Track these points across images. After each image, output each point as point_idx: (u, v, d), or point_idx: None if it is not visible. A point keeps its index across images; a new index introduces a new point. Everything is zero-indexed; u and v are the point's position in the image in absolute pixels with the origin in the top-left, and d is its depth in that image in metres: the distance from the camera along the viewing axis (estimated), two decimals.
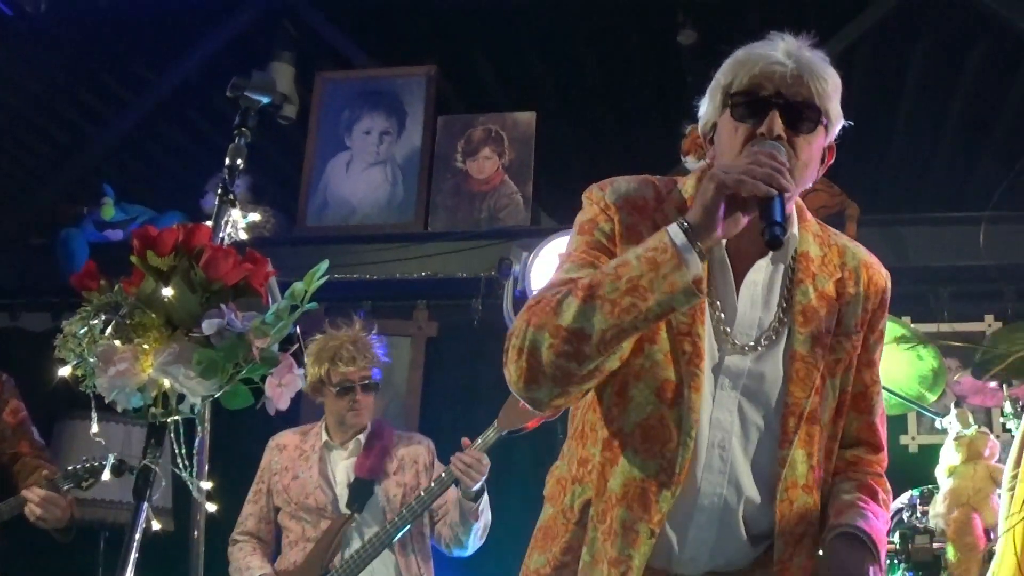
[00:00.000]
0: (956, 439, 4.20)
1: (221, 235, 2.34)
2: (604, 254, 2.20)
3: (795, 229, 2.25)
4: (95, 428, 2.10)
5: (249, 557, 4.53)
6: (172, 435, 1.99)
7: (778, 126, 2.12)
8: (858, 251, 2.37)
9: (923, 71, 6.61)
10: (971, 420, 4.32)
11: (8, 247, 6.54)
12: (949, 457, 4.20)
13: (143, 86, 6.93)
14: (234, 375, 2.04)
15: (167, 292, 2.04)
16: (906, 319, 5.28)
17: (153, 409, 2.03)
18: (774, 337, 2.22)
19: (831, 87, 2.19)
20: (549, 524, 2.30)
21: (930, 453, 4.27)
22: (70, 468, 4.04)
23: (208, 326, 2.02)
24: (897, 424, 5.57)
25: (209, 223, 2.28)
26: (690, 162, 5.96)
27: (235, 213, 2.32)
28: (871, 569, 2.14)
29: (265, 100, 2.53)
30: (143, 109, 6.88)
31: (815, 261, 2.27)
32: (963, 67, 6.51)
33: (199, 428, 2.12)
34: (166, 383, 2.01)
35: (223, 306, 2.04)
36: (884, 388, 4.26)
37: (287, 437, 4.71)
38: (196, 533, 2.16)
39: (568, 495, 2.28)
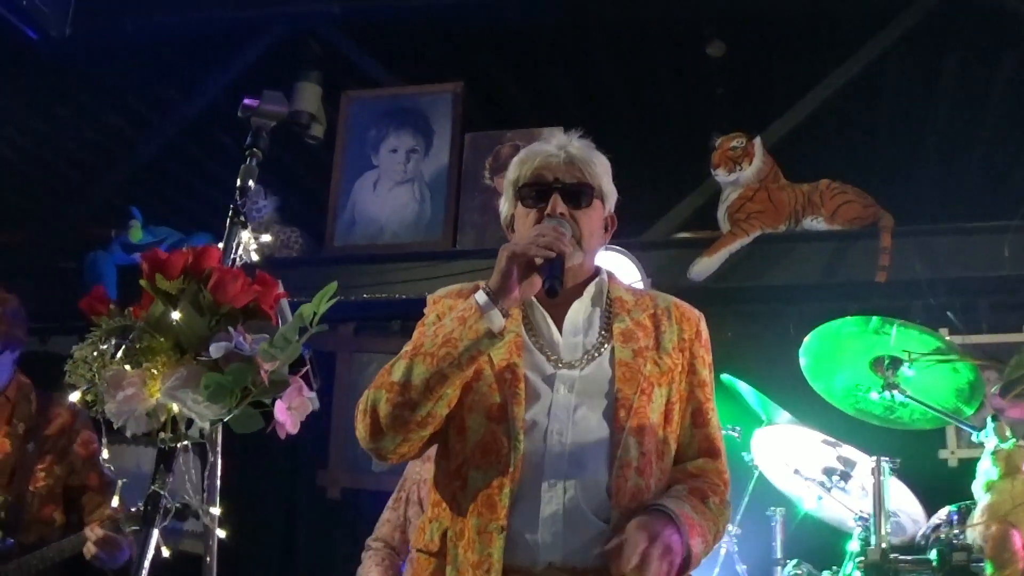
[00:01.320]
0: (994, 453, 4.13)
1: (232, 257, 2.31)
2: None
3: (604, 276, 2.71)
4: (105, 454, 2.10)
5: (371, 571, 4.34)
6: (182, 459, 1.98)
7: (560, 205, 2.57)
8: (668, 297, 2.77)
9: (956, 79, 6.55)
10: (1009, 433, 4.25)
11: (37, 271, 6.58)
12: (987, 471, 4.13)
13: (170, 108, 6.97)
14: (243, 399, 2.03)
15: (175, 315, 2.03)
16: (943, 331, 5.22)
17: (162, 434, 2.02)
18: (596, 354, 2.59)
19: (600, 168, 2.66)
20: (415, 567, 2.58)
21: (970, 467, 4.20)
22: (134, 509, 4.02)
23: (216, 349, 2.01)
24: (936, 438, 5.51)
25: (220, 245, 2.25)
26: (720, 175, 5.94)
27: (245, 235, 2.30)
28: (668, 531, 2.39)
29: (276, 120, 2.51)
30: (170, 131, 6.92)
31: (628, 302, 2.69)
32: (996, 75, 6.45)
33: (210, 453, 2.10)
34: (175, 407, 2.00)
35: (231, 329, 2.02)
36: (921, 402, 4.26)
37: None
38: (208, 559, 2.15)
39: (427, 533, 2.58)
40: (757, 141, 5.97)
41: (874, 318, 4.42)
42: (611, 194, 2.71)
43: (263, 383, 2.02)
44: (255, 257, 2.39)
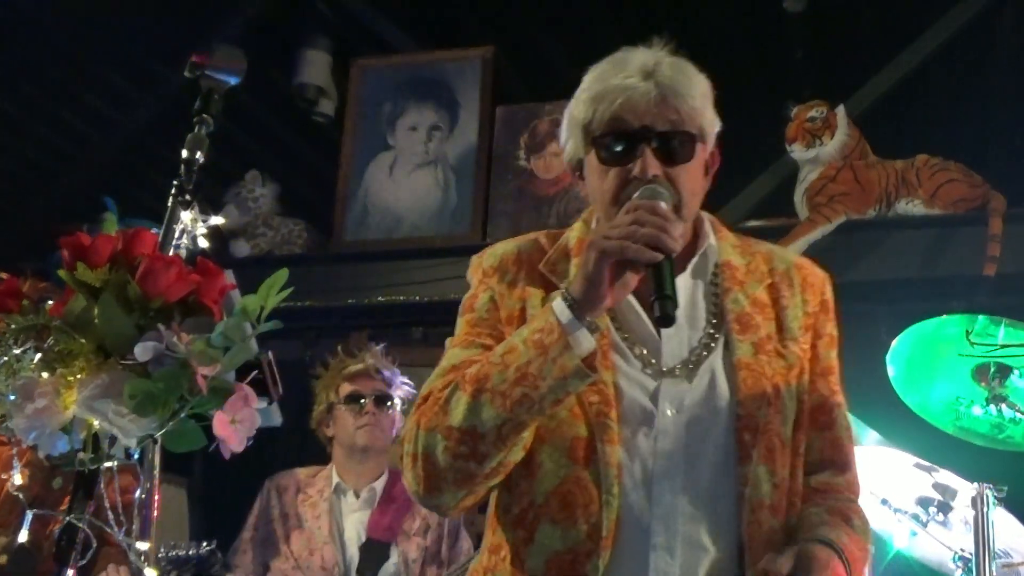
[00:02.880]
0: None
1: (176, 243, 2.26)
2: (488, 329, 2.37)
3: (712, 240, 2.43)
4: (18, 479, 2.06)
5: None
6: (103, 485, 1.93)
7: (652, 166, 2.25)
8: (786, 254, 2.53)
9: None
10: None
11: None
12: None
13: (153, 82, 6.98)
14: (178, 411, 1.97)
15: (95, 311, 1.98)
16: None
17: (82, 454, 1.96)
18: (706, 353, 2.32)
19: (699, 98, 2.32)
20: None
21: None
22: (160, 555, 4.00)
23: (143, 351, 1.95)
24: None
25: (156, 229, 2.21)
26: (797, 151, 5.87)
27: (187, 216, 2.25)
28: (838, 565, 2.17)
29: (232, 80, 2.46)
30: (152, 109, 6.95)
31: (740, 269, 2.42)
32: None
33: (142, 477, 2.05)
34: (94, 422, 1.94)
35: (162, 327, 1.97)
36: None
37: (290, 478, 4.68)
38: None
39: None
40: (840, 111, 5.89)
41: (980, 317, 4.34)
42: (713, 126, 2.38)
43: (200, 391, 1.96)
44: (203, 243, 2.32)
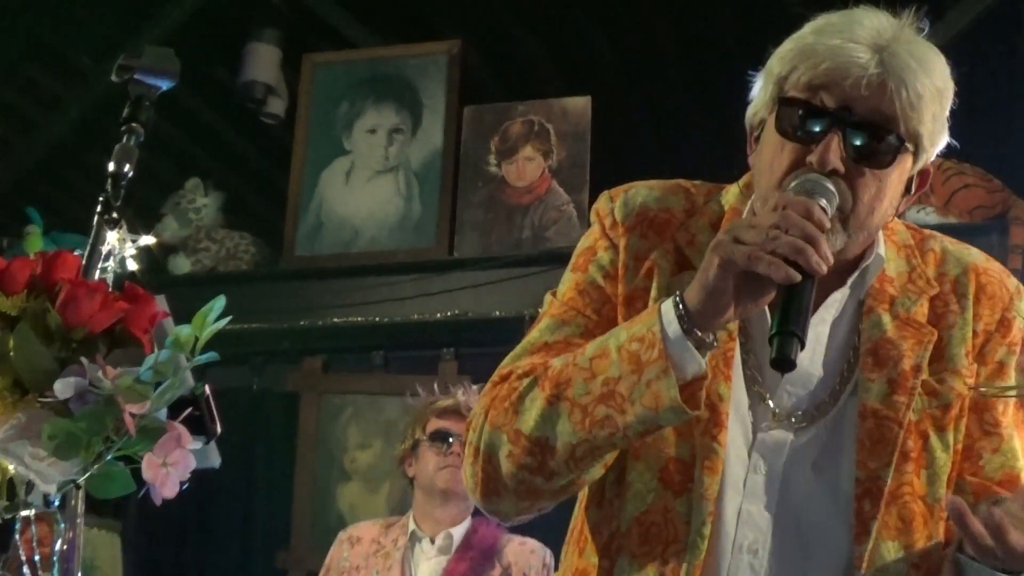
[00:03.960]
0: None
1: (102, 265, 2.26)
2: (597, 303, 2.17)
3: (881, 249, 2.14)
4: None
5: None
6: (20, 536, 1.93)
7: (834, 157, 1.99)
8: (966, 255, 2.23)
9: None
10: None
11: None
12: None
13: (80, 80, 6.97)
14: (103, 453, 1.96)
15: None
16: None
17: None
18: (829, 401, 2.10)
19: (929, 97, 2.03)
20: None
21: None
22: None
23: (63, 387, 1.94)
24: None
25: (80, 252, 2.21)
26: None
27: (113, 236, 2.25)
28: None
29: (165, 84, 2.46)
30: (82, 108, 6.92)
31: (896, 280, 2.15)
32: None
33: (58, 527, 2.05)
34: (9, 466, 1.94)
35: (85, 361, 1.96)
36: None
37: (364, 529, 4.75)
38: None
39: None
40: None
41: None
42: (935, 138, 2.10)
43: (128, 432, 1.95)
44: (132, 265, 2.32)
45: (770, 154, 2.07)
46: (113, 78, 2.51)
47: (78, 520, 2.12)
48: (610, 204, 2.23)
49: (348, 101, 6.66)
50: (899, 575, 2.03)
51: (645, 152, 7.27)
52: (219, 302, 2.05)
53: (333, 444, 6.17)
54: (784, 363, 1.86)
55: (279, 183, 6.92)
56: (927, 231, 2.28)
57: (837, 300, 2.12)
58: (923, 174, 2.15)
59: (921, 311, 2.13)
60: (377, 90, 6.63)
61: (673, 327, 1.92)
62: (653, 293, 2.12)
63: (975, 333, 2.13)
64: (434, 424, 4.63)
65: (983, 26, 6.10)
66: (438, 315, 6.14)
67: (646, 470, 2.07)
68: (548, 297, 2.24)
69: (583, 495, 2.22)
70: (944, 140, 2.13)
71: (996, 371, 2.14)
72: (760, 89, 2.15)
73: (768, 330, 1.93)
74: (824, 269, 1.87)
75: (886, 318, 2.11)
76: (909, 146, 2.04)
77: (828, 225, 1.93)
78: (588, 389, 1.97)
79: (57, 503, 2.04)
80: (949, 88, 2.10)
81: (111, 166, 2.41)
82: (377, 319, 6.21)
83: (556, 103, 6.32)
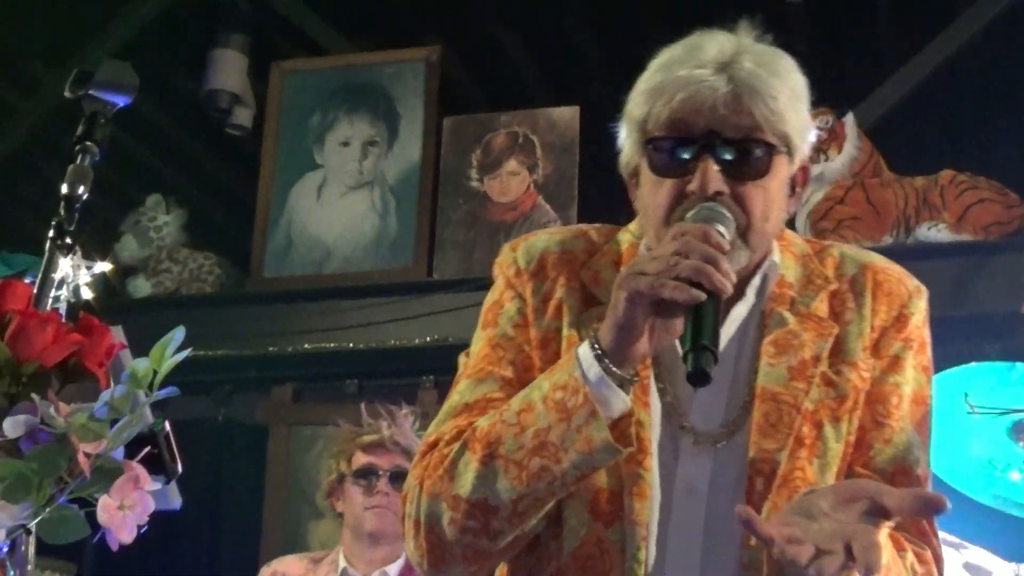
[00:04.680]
0: None
1: (54, 295, 2.27)
2: (512, 354, 2.29)
3: (775, 256, 2.30)
4: None
5: None
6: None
7: (713, 181, 2.13)
8: (864, 256, 2.39)
9: None
10: None
11: None
12: None
13: (35, 88, 6.98)
14: (55, 496, 1.97)
15: None
16: None
17: None
18: (748, 413, 2.22)
19: (785, 100, 2.18)
20: None
21: None
22: None
23: (12, 425, 1.95)
24: None
25: (31, 277, 2.22)
26: None
27: (66, 264, 2.25)
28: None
29: (121, 101, 2.47)
30: (36, 118, 6.93)
31: (795, 284, 2.30)
32: None
33: (11, 570, 2.05)
34: None
35: (36, 397, 1.97)
36: None
37: (290, 564, 4.70)
38: None
39: None
40: (849, 119, 5.94)
41: (1018, 364, 4.37)
42: (804, 134, 2.24)
43: (83, 473, 1.96)
44: (87, 293, 2.33)
45: (651, 195, 2.22)
46: (66, 94, 2.52)
47: (28, 568, 2.12)
48: (512, 255, 2.37)
49: (320, 111, 6.69)
50: None
51: None
52: (178, 333, 2.06)
53: (304, 479, 6.15)
54: (700, 376, 1.99)
55: (246, 199, 6.92)
56: (826, 242, 2.44)
57: (741, 314, 2.26)
58: (802, 171, 2.29)
59: (821, 307, 2.28)
60: (351, 100, 6.66)
61: (593, 369, 2.06)
62: (564, 332, 2.26)
63: (872, 328, 2.27)
64: (360, 459, 4.58)
65: (997, 28, 6.13)
66: (416, 341, 6.14)
67: (578, 504, 2.18)
68: (462, 358, 2.36)
69: None
70: (812, 132, 2.28)
71: (891, 364, 2.28)
72: (626, 137, 2.30)
73: (680, 352, 2.08)
74: (728, 287, 2.02)
75: (788, 315, 2.26)
76: (781, 148, 2.19)
77: (727, 247, 2.06)
78: (520, 444, 2.09)
79: (6, 549, 2.04)
80: (801, 83, 2.24)
81: (64, 188, 2.41)
82: (351, 345, 6.21)
83: (542, 113, 6.34)
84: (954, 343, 5.56)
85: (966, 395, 4.33)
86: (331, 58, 6.76)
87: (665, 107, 2.16)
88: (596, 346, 2.07)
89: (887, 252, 5.63)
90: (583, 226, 2.41)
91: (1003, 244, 5.79)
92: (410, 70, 6.59)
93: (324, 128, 6.64)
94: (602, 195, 6.37)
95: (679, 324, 2.04)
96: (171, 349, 2.04)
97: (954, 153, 6.20)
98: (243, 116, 6.90)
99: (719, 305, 2.04)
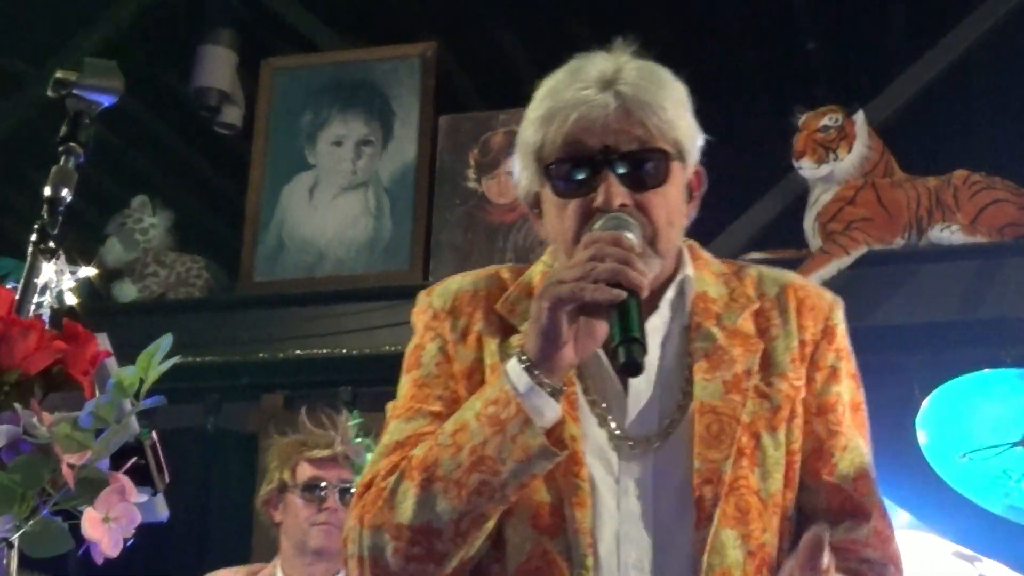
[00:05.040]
0: None
1: (37, 300, 2.27)
2: (438, 391, 2.39)
3: (689, 270, 2.43)
4: None
5: None
6: None
7: (617, 194, 2.27)
8: (782, 275, 2.52)
9: None
10: None
11: None
12: None
13: (16, 85, 6.98)
14: (38, 508, 1.98)
15: None
16: None
17: None
18: (678, 415, 2.35)
19: (673, 108, 2.34)
20: None
21: None
22: None
23: None
24: None
25: (13, 282, 2.22)
26: (807, 167, 5.90)
27: (50, 268, 2.26)
28: None
29: (106, 101, 2.48)
30: (17, 116, 6.93)
31: (718, 300, 2.43)
32: None
33: None
34: None
35: (19, 407, 1.98)
36: None
37: None
38: None
39: None
40: (859, 117, 5.95)
41: None
42: (694, 140, 2.39)
43: (67, 484, 1.97)
44: (71, 300, 2.33)
45: (557, 219, 2.35)
46: (49, 93, 2.52)
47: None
48: (427, 299, 2.51)
49: (311, 110, 6.69)
50: (737, 561, 2.28)
51: None
52: (166, 340, 2.07)
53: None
54: (632, 366, 2.14)
55: (235, 201, 6.93)
56: (739, 262, 2.58)
57: (657, 326, 2.38)
58: (697, 175, 2.44)
59: (746, 324, 2.41)
60: (343, 98, 6.66)
61: (523, 381, 2.18)
62: (487, 361, 2.37)
63: (803, 343, 2.41)
64: (306, 471, 4.52)
65: (1011, 23, 6.14)
66: None
67: (519, 522, 2.28)
68: (389, 406, 2.45)
69: None
70: (700, 136, 2.42)
71: (830, 375, 2.42)
72: (522, 169, 2.43)
73: (606, 362, 2.33)
74: (645, 283, 2.17)
75: (715, 330, 2.39)
76: (675, 155, 2.34)
77: (639, 249, 2.22)
78: (457, 462, 2.19)
79: None
80: (683, 91, 2.41)
81: (47, 191, 2.42)
82: (345, 351, 6.21)
83: None
84: (967, 349, 5.59)
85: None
86: (323, 54, 6.77)
87: (559, 131, 2.29)
88: (524, 358, 2.19)
89: (899, 255, 5.70)
90: (495, 267, 2.52)
91: (1019, 246, 5.80)
92: (405, 67, 6.60)
93: (316, 127, 6.65)
94: None
95: (601, 331, 2.19)
96: (159, 356, 2.05)
97: (968, 152, 6.19)
98: (232, 115, 6.88)
99: (640, 302, 2.16)
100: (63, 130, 2.49)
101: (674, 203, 2.35)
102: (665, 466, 2.31)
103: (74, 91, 2.51)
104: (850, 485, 2.39)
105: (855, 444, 2.42)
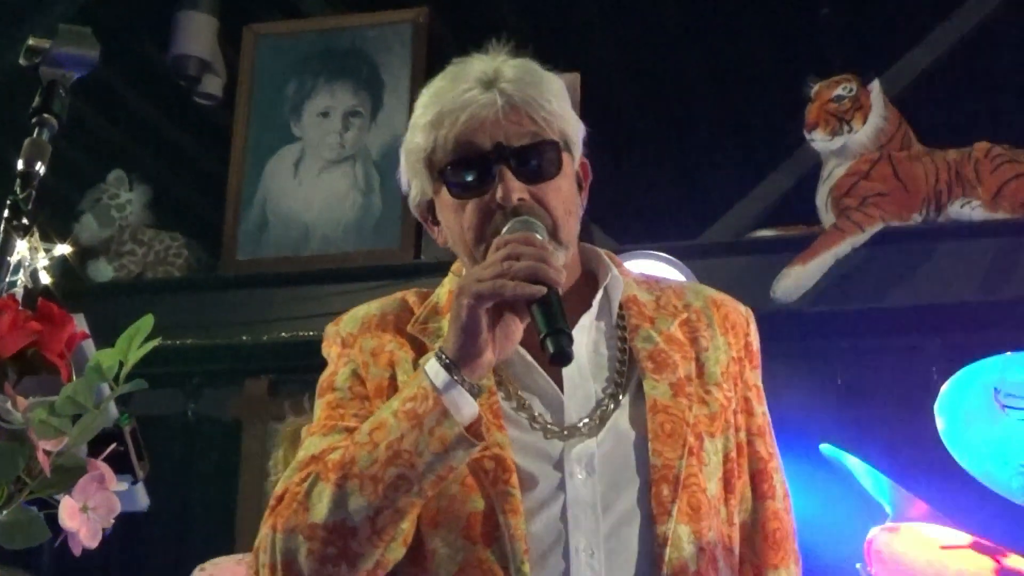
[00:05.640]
0: None
1: (10, 279, 2.28)
2: (353, 409, 2.49)
3: (615, 271, 2.57)
4: None
5: None
6: None
7: (514, 188, 2.40)
8: (700, 289, 2.70)
9: None
10: None
11: None
12: None
13: None
14: (13, 497, 1.98)
15: None
16: None
17: None
18: (613, 405, 2.46)
19: (556, 100, 2.48)
20: None
21: None
22: None
23: None
24: None
25: None
26: (819, 139, 5.91)
27: (23, 245, 2.27)
28: None
29: (81, 70, 2.48)
30: None
31: (647, 305, 2.59)
32: None
33: None
34: None
35: None
36: None
37: (225, 568, 4.72)
38: None
39: None
40: (875, 87, 5.95)
41: None
42: (578, 132, 2.55)
43: (43, 472, 1.97)
44: (45, 278, 2.34)
45: (456, 222, 2.48)
46: (21, 61, 2.52)
47: None
48: (335, 329, 2.61)
49: (296, 79, 6.70)
50: (691, 556, 2.38)
51: (640, 134, 7.28)
52: (147, 321, 2.07)
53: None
54: (562, 356, 2.23)
55: (216, 175, 6.93)
56: (657, 276, 2.83)
57: (585, 324, 2.51)
58: (583, 166, 2.59)
59: (678, 333, 2.56)
60: (330, 66, 6.67)
61: (441, 376, 2.27)
62: (400, 378, 2.47)
63: (731, 359, 2.58)
64: None
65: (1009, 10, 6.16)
66: None
67: (448, 533, 2.36)
68: (304, 431, 2.52)
69: None
70: (582, 130, 2.56)
71: (757, 395, 2.63)
72: (412, 177, 2.59)
73: (527, 360, 2.45)
74: (562, 278, 2.30)
75: (653, 333, 2.53)
76: (563, 145, 2.48)
77: (549, 247, 2.36)
78: (374, 458, 2.27)
79: None
80: (561, 83, 2.54)
81: (20, 164, 2.42)
82: None
83: None
84: (989, 331, 5.60)
85: (996, 391, 4.35)
86: (309, 20, 6.78)
87: (450, 133, 2.42)
88: (443, 356, 2.28)
89: (916, 232, 5.71)
90: (400, 293, 2.63)
91: None
92: (395, 33, 6.60)
93: (301, 97, 6.65)
94: (603, 168, 6.38)
95: (518, 331, 2.31)
96: (139, 338, 2.06)
97: (990, 123, 6.19)
98: (213, 84, 6.88)
99: (559, 297, 2.26)
100: (36, 100, 2.49)
101: (568, 194, 2.49)
102: (611, 455, 2.42)
103: (47, 60, 2.51)
104: (784, 517, 2.60)
105: (781, 472, 2.63)
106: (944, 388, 4.51)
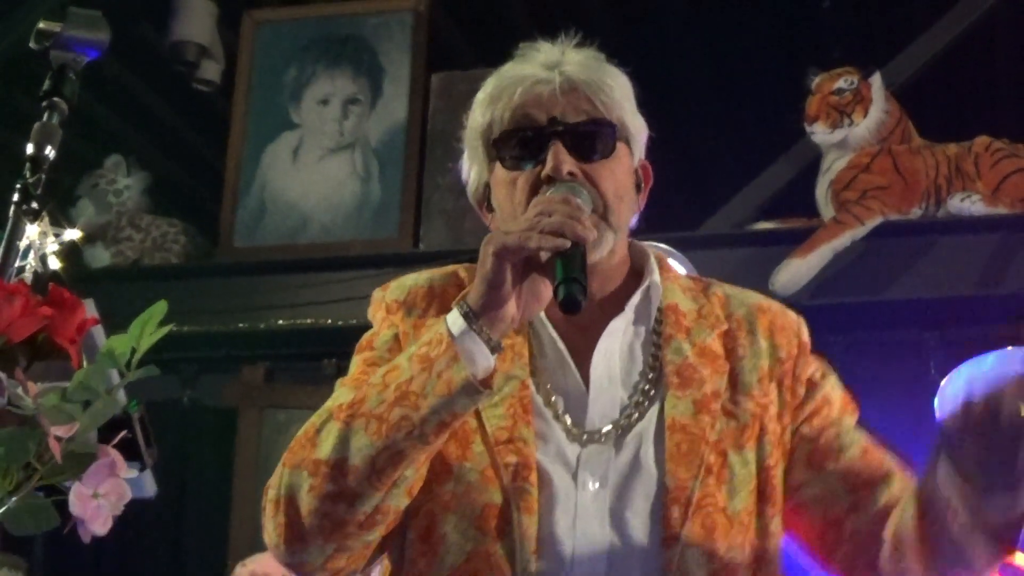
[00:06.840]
0: None
1: (19, 264, 2.28)
2: (386, 368, 2.44)
3: (656, 277, 2.55)
4: None
5: None
6: None
7: (566, 161, 2.40)
8: (748, 297, 2.63)
9: None
10: None
11: None
12: None
13: None
14: (23, 483, 1.98)
15: None
16: None
17: None
18: (638, 414, 2.43)
19: (619, 92, 2.49)
20: None
21: None
22: None
23: None
24: None
25: None
26: (819, 132, 5.91)
27: (33, 230, 2.27)
28: None
29: (92, 53, 2.48)
30: None
31: (688, 315, 2.54)
32: None
33: None
34: None
35: (3, 376, 1.98)
36: None
37: (268, 563, 4.68)
38: None
39: None
40: (876, 80, 5.95)
41: None
42: (639, 130, 2.56)
43: (54, 458, 1.97)
44: (55, 263, 2.34)
45: (507, 196, 2.47)
46: (32, 45, 2.52)
47: None
48: (381, 294, 2.60)
49: (296, 66, 6.69)
50: None
51: (650, 125, 7.26)
52: (160, 307, 2.08)
53: (276, 464, 6.13)
54: (571, 303, 2.20)
55: (215, 162, 6.93)
56: (707, 280, 2.70)
57: (619, 327, 2.49)
58: (644, 169, 2.59)
59: (715, 344, 2.52)
60: (330, 53, 6.66)
61: (459, 324, 2.24)
62: None
63: (779, 360, 2.54)
64: None
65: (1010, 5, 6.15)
66: None
67: (461, 520, 2.35)
68: (337, 383, 2.49)
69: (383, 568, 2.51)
70: (645, 132, 2.58)
71: (814, 383, 2.55)
72: (472, 160, 2.60)
73: (567, 360, 2.43)
74: (591, 236, 2.27)
75: (686, 345, 2.49)
76: (620, 130, 2.49)
77: (588, 206, 2.35)
78: (382, 399, 2.24)
79: None
80: (628, 84, 2.55)
81: (30, 148, 2.42)
82: (329, 321, 6.24)
83: None
84: (989, 326, 5.60)
85: None
86: (309, 7, 6.76)
87: (507, 105, 2.44)
88: (464, 305, 2.25)
89: (916, 225, 5.71)
90: (453, 266, 2.61)
91: None
92: (396, 21, 6.60)
93: (301, 84, 6.65)
94: None
95: (547, 292, 2.27)
96: (152, 324, 2.06)
97: (990, 117, 6.19)
98: (211, 70, 6.88)
99: (585, 252, 2.25)
100: (47, 84, 2.49)
101: (622, 179, 2.49)
102: (626, 469, 2.39)
103: (58, 43, 2.51)
104: (861, 462, 2.49)
105: (848, 427, 2.52)
106: (944, 385, 4.50)
